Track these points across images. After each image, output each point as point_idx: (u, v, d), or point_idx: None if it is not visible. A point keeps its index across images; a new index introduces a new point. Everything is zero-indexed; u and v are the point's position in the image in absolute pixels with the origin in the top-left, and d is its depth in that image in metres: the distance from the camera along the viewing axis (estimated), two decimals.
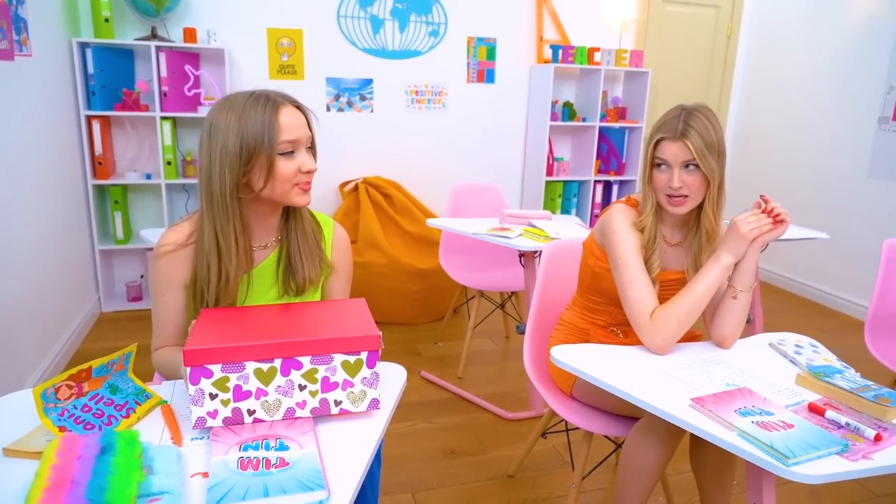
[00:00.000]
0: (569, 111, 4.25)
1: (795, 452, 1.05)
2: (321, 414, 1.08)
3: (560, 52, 4.06)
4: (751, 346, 1.57)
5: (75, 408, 1.02)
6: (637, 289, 1.52)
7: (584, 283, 1.79)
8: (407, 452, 2.32)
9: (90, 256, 3.48)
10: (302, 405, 1.06)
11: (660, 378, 1.36)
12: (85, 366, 1.05)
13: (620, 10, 4.29)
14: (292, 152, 1.24)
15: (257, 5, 3.64)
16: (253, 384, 1.02)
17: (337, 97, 3.92)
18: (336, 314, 1.16)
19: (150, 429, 1.08)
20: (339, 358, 1.05)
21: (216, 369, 1.00)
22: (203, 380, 1.00)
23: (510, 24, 4.15)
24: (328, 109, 3.92)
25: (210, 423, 1.02)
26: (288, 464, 0.92)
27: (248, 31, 3.66)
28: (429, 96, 4.10)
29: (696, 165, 1.48)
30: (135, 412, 1.09)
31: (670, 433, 1.43)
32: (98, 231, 3.48)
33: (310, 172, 1.26)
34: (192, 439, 1.04)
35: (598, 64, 4.14)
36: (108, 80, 3.35)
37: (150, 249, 3.18)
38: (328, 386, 1.06)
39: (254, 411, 1.04)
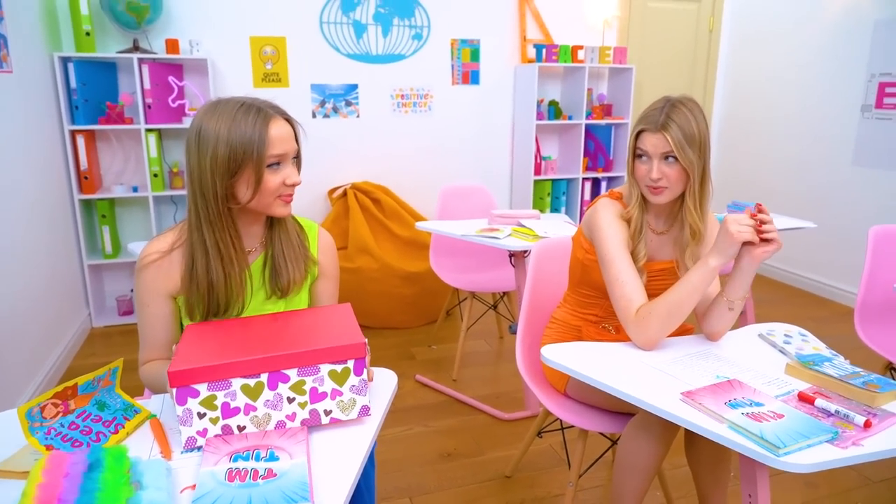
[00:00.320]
0: (554, 110, 4.26)
1: (786, 442, 1.05)
2: (312, 424, 1.07)
3: (544, 51, 4.07)
4: (740, 337, 1.58)
5: (62, 426, 1.02)
6: (622, 285, 1.52)
7: (575, 277, 1.79)
8: (403, 457, 2.31)
9: (79, 272, 3.46)
10: (292, 417, 1.05)
11: (650, 373, 1.36)
12: (70, 383, 1.05)
13: (602, 8, 4.30)
14: (278, 164, 1.24)
15: (239, 14, 3.63)
16: (241, 400, 1.02)
17: (322, 103, 3.91)
18: (321, 322, 1.15)
19: (139, 443, 1.07)
20: (325, 368, 1.05)
21: (202, 388, 0.99)
22: (190, 399, 0.99)
23: (493, 24, 4.16)
24: (314, 116, 3.91)
25: (200, 442, 1.01)
26: (276, 475, 0.91)
27: (231, 41, 3.65)
28: (414, 100, 4.10)
29: (676, 157, 1.49)
30: (123, 428, 1.08)
31: (665, 428, 1.43)
32: (86, 246, 3.46)
33: (293, 185, 1.26)
34: (182, 452, 1.03)
35: (581, 62, 4.16)
36: (92, 93, 3.33)
37: None
38: (317, 396, 1.05)
39: (244, 427, 1.03)
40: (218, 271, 1.25)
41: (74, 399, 1.05)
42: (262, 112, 1.22)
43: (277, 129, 1.22)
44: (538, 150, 4.25)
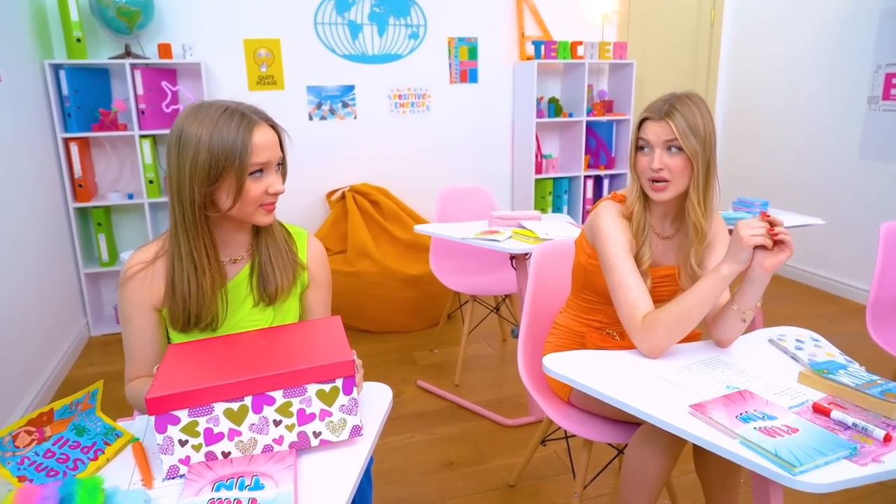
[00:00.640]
0: (555, 107, 4.20)
1: (802, 460, 1.00)
2: (301, 447, 1.02)
3: (542, 47, 4.01)
4: (750, 343, 1.52)
5: (37, 454, 0.96)
6: (626, 290, 1.46)
7: (578, 281, 1.74)
8: (404, 466, 2.26)
9: (76, 280, 3.41)
10: (279, 441, 1.00)
11: (657, 384, 1.30)
12: (46, 408, 1.00)
13: (601, 3, 4.23)
14: (262, 172, 1.19)
15: (232, 17, 3.58)
16: (224, 425, 0.96)
17: (319, 105, 3.86)
18: (308, 339, 1.10)
19: (120, 470, 1.02)
20: (313, 388, 0.99)
21: (183, 415, 0.94)
22: (170, 427, 0.94)
23: (491, 22, 4.10)
24: (310, 118, 3.86)
25: (183, 470, 0.96)
26: None
27: (225, 44, 3.59)
28: (412, 100, 4.04)
29: (679, 148, 1.43)
30: (103, 453, 1.03)
31: (673, 439, 1.37)
32: (83, 254, 3.42)
33: (276, 194, 1.21)
34: (163, 480, 0.98)
35: (581, 58, 4.09)
36: (84, 100, 3.28)
37: None
38: (305, 418, 1.00)
39: (229, 453, 0.98)
40: (191, 280, 1.20)
41: (50, 425, 1.00)
42: (246, 118, 1.17)
43: (261, 135, 1.17)
44: (539, 148, 4.19)
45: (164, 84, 3.37)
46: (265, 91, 3.71)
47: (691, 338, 1.59)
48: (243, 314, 1.30)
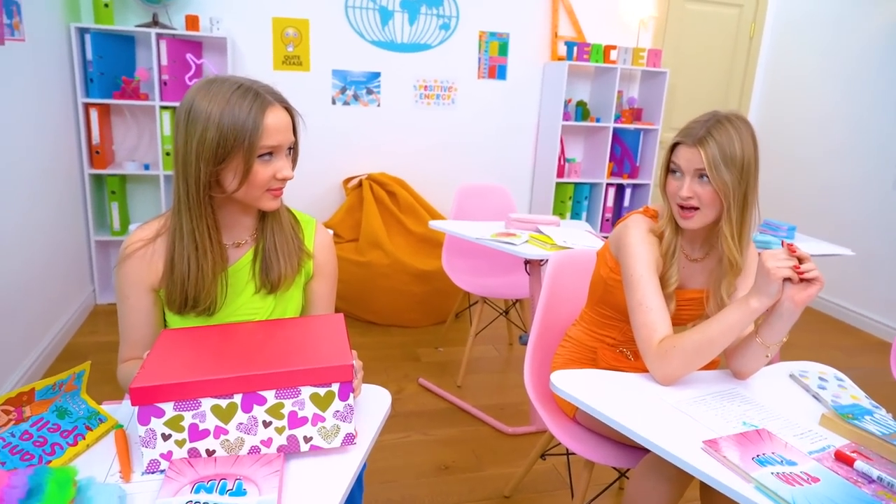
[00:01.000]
0: (582, 111, 4.11)
1: None
2: (290, 451, 0.97)
3: (575, 49, 3.92)
4: (769, 376, 1.44)
5: (13, 436, 0.92)
6: (646, 311, 1.39)
7: (596, 294, 1.66)
8: (399, 466, 2.21)
9: (86, 247, 3.39)
10: (267, 443, 0.95)
11: (669, 413, 1.23)
12: (28, 387, 0.95)
13: (639, 8, 4.13)
14: (271, 155, 1.13)
15: None
16: (211, 422, 0.91)
17: (343, 90, 3.80)
18: (308, 337, 1.04)
19: (99, 458, 0.98)
20: (307, 391, 0.94)
21: (168, 408, 0.89)
22: (154, 419, 0.89)
23: (524, 18, 4.01)
24: (333, 103, 3.80)
25: (164, 465, 0.91)
26: None
27: (253, 20, 3.54)
28: (438, 92, 3.97)
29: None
30: (84, 439, 0.98)
31: (680, 472, 1.30)
32: (95, 222, 3.39)
33: (285, 179, 1.16)
34: (142, 473, 0.93)
35: (614, 62, 4.00)
36: (108, 67, 3.25)
37: None
38: (296, 421, 0.95)
39: (213, 451, 0.93)
40: (191, 261, 1.15)
41: (30, 405, 0.95)
42: (260, 97, 1.11)
43: (274, 117, 1.11)
44: (562, 151, 4.11)
45: (189, 56, 3.33)
46: (290, 71, 3.66)
47: (709, 365, 1.52)
48: (243, 301, 1.25)
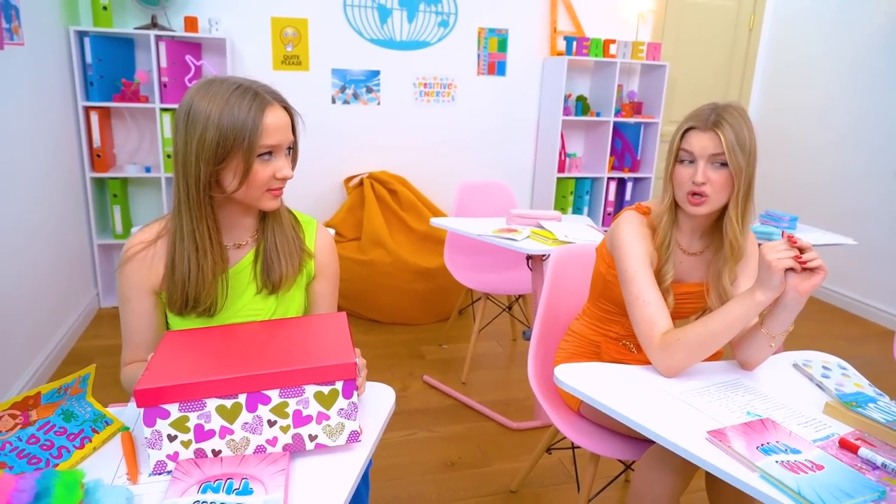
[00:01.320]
0: (582, 105, 4.11)
1: (826, 501, 0.93)
2: (295, 450, 0.97)
3: (574, 43, 3.91)
4: (773, 366, 1.44)
5: (19, 440, 0.92)
6: (643, 305, 1.39)
7: (596, 290, 1.67)
8: (405, 463, 2.22)
9: (88, 251, 3.40)
10: (273, 442, 0.95)
11: (673, 403, 1.23)
12: (33, 391, 0.95)
13: (637, 1, 4.12)
14: (270, 155, 1.14)
15: None
16: (216, 423, 0.92)
17: (343, 89, 3.80)
18: (311, 336, 1.05)
19: (106, 460, 0.98)
20: (311, 389, 0.94)
21: (173, 409, 0.89)
22: (159, 421, 0.89)
23: (523, 14, 4.01)
24: (333, 102, 3.80)
25: (171, 466, 0.92)
26: None
27: (251, 21, 3.55)
28: (437, 89, 3.97)
29: (723, 163, 1.36)
30: (90, 442, 0.99)
31: (685, 462, 1.30)
32: (97, 225, 3.40)
33: (284, 179, 1.16)
34: (149, 475, 0.94)
35: (613, 57, 3.99)
36: (107, 70, 3.25)
37: None
38: (301, 420, 0.95)
39: (219, 451, 0.93)
40: (191, 261, 1.16)
41: (36, 409, 0.95)
42: (259, 97, 1.11)
43: (273, 117, 1.12)
44: (563, 146, 4.11)
45: (189, 58, 3.33)
46: (289, 71, 3.66)
47: (713, 356, 1.52)
48: (245, 302, 1.25)
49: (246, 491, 0.86)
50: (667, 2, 4.23)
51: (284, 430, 0.95)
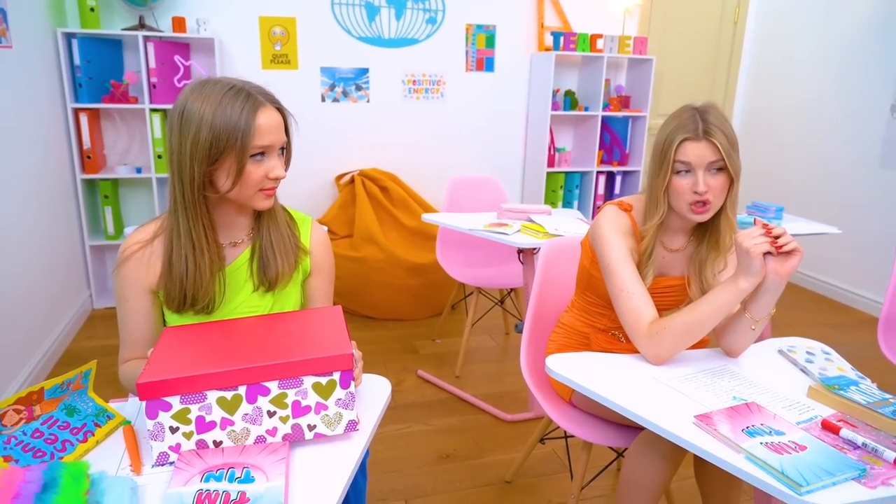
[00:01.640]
0: (570, 100, 4.14)
1: (809, 479, 0.96)
2: (294, 440, 1.00)
3: (561, 39, 3.94)
4: (759, 353, 1.48)
5: (24, 434, 0.94)
6: (628, 297, 1.42)
7: (582, 283, 1.70)
8: (401, 456, 2.25)
9: (80, 252, 3.40)
10: (273, 432, 0.98)
11: (661, 391, 1.27)
12: (37, 387, 0.97)
13: None
14: (263, 155, 1.16)
15: None
16: (217, 414, 0.94)
17: (332, 87, 3.82)
18: (307, 328, 1.07)
19: (109, 453, 1.00)
20: (309, 380, 0.97)
21: (175, 401, 0.92)
22: (161, 413, 0.92)
23: (510, 10, 4.03)
24: (323, 100, 3.82)
25: (173, 457, 0.94)
26: (249, 500, 0.83)
27: (240, 20, 3.55)
28: (426, 86, 3.99)
29: (720, 168, 1.38)
30: (93, 435, 1.01)
31: (674, 447, 1.34)
32: (88, 226, 3.40)
33: (277, 179, 1.18)
34: (153, 466, 0.96)
35: (600, 51, 4.02)
36: (96, 71, 3.25)
37: None
38: (299, 410, 0.97)
39: (220, 442, 0.96)
40: (189, 260, 1.18)
41: (40, 404, 0.98)
42: (252, 98, 1.13)
43: (266, 117, 1.14)
44: (552, 141, 4.14)
45: (177, 58, 3.33)
46: (278, 70, 3.67)
47: (699, 344, 1.56)
48: (242, 299, 1.27)
49: (248, 479, 0.89)
50: None
51: (284, 420, 0.98)
